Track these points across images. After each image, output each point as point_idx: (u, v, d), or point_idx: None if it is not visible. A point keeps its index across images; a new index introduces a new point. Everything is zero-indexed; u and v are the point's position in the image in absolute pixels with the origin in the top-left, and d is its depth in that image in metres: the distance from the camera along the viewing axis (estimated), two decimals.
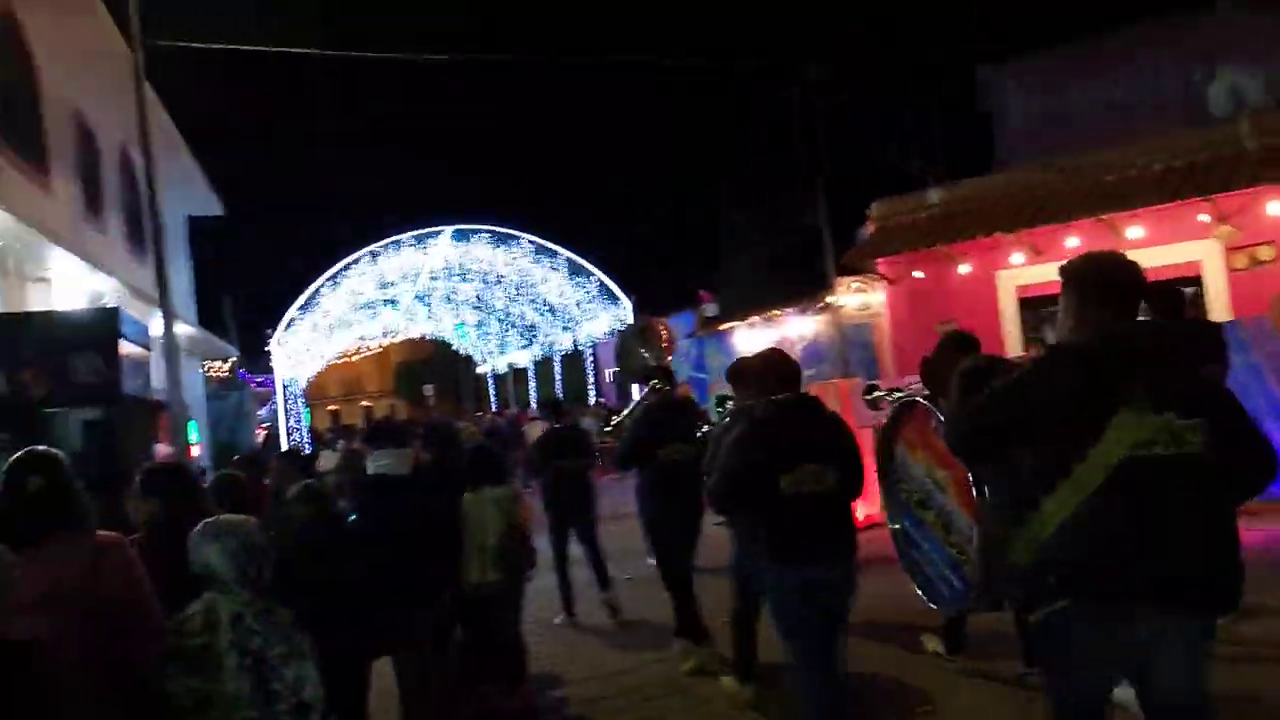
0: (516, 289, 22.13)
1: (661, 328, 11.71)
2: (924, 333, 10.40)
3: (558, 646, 6.78)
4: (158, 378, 11.20)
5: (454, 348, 31.98)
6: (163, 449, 10.34)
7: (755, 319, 18.84)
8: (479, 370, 35.83)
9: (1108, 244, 10.49)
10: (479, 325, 28.12)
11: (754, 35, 41.13)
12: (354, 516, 4.69)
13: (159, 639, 2.78)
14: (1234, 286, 10.32)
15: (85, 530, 2.85)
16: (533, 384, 29.73)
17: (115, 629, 2.70)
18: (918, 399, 4.98)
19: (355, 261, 19.20)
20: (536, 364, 29.36)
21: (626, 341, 11.93)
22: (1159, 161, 10.78)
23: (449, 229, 19.83)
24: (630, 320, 20.32)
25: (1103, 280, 2.71)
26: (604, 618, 7.27)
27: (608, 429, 9.70)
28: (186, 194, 18.76)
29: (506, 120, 67.81)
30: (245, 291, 35.68)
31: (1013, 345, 11.54)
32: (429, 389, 43.37)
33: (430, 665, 4.58)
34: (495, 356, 31.38)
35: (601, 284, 21.13)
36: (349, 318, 21.11)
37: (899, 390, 5.60)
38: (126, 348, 8.19)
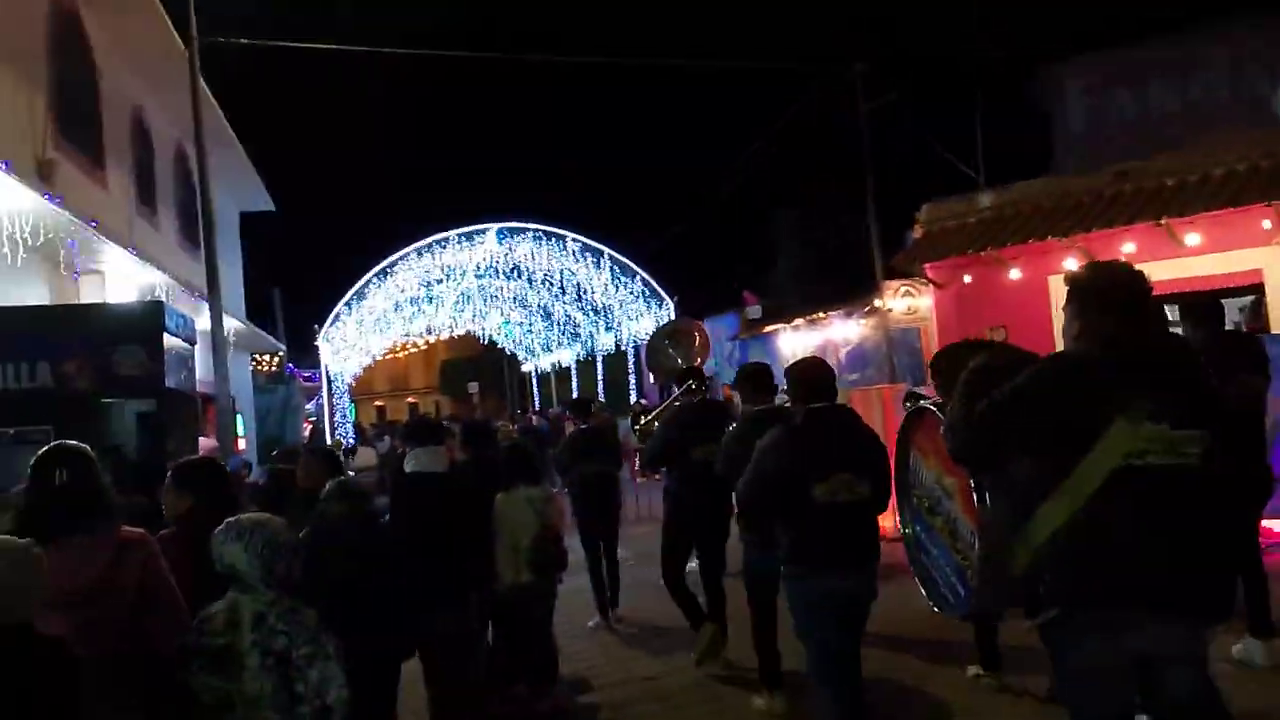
0: (561, 288, 22.14)
1: (695, 330, 11.58)
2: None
3: (591, 649, 6.74)
4: (204, 371, 11.36)
5: (500, 346, 32.14)
6: (206, 442, 10.47)
7: (799, 321, 18.68)
8: (523, 369, 35.97)
9: (1165, 250, 10.21)
10: (523, 324, 28.23)
11: (806, 36, 40.82)
12: (388, 515, 4.68)
13: (183, 633, 2.77)
14: None
15: (110, 525, 2.85)
16: (574, 383, 29.76)
17: (137, 624, 2.69)
18: (928, 405, 4.89)
19: (402, 258, 19.35)
20: (579, 363, 29.37)
21: (655, 342, 11.85)
22: (1220, 166, 10.45)
23: (494, 226, 19.92)
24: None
25: (1104, 290, 2.70)
26: (637, 621, 7.23)
27: (635, 428, 9.65)
28: (239, 190, 19.14)
29: (557, 120, 68.16)
30: (295, 287, 36.15)
31: None
32: (474, 386, 43.68)
33: (460, 667, 4.55)
34: (539, 355, 31.47)
35: (646, 284, 21.08)
36: (394, 314, 21.28)
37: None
38: (170, 341, 8.29)
